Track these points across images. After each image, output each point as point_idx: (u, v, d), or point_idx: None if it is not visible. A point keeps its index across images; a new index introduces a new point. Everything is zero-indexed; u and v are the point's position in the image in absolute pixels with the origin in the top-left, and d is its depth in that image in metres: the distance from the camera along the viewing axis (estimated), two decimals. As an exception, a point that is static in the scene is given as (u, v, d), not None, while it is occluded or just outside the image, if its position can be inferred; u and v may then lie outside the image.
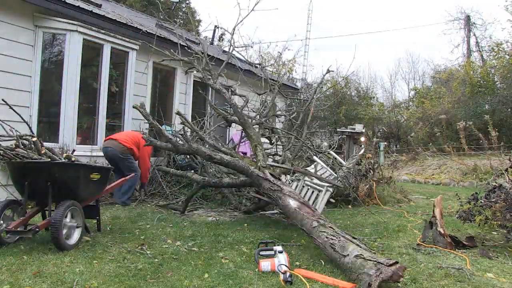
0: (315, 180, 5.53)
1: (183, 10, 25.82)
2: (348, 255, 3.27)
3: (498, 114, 14.11)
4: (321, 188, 5.41)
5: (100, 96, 6.68)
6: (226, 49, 8.91)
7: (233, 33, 6.56)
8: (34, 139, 4.54)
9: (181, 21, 25.30)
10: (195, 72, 9.29)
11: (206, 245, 4.15)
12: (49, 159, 4.39)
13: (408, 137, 16.81)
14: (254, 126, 6.14)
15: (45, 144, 5.97)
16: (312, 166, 6.52)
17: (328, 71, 6.89)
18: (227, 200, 6.72)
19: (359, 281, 3.03)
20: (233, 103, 6.20)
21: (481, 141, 12.99)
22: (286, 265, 3.33)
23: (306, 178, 5.70)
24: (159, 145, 5.91)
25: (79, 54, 6.20)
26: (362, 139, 12.09)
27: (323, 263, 3.61)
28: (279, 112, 9.09)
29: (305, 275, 3.27)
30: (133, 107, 5.91)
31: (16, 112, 5.04)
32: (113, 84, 6.99)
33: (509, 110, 15.36)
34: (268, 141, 7.07)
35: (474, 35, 22.17)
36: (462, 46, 22.60)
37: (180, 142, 5.89)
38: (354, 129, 12.18)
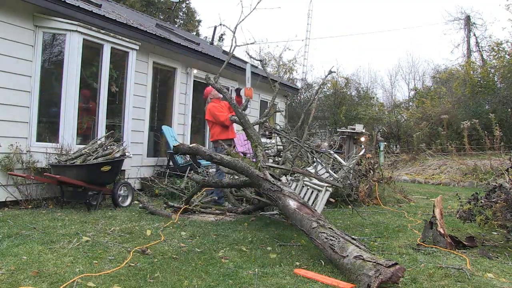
0: (315, 180, 5.53)
1: (183, 10, 25.83)
2: (347, 256, 3.27)
3: (499, 114, 14.10)
4: (320, 188, 5.41)
5: (100, 96, 6.68)
6: (227, 48, 8.90)
7: (234, 32, 6.54)
8: None
9: (181, 21, 25.34)
10: (195, 71, 9.31)
11: (206, 245, 4.14)
12: None
13: (412, 136, 16.77)
14: (254, 126, 6.13)
15: (46, 144, 6.00)
16: (312, 166, 6.51)
17: (330, 72, 6.85)
18: (227, 200, 6.73)
19: (359, 282, 3.03)
20: (234, 103, 6.20)
21: (482, 140, 12.97)
22: None
23: (306, 178, 5.70)
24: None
25: (79, 54, 6.20)
26: (362, 139, 12.08)
27: (323, 263, 3.61)
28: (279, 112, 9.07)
29: (305, 275, 3.27)
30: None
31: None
32: (113, 84, 6.99)
33: (509, 110, 15.33)
34: (269, 141, 7.07)
35: (474, 35, 22.16)
36: (462, 46, 22.61)
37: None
38: (354, 129, 12.17)
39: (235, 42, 6.48)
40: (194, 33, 24.30)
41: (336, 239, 3.49)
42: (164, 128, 8.47)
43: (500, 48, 17.37)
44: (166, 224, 5.00)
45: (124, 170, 7.04)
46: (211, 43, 15.76)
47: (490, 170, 11.07)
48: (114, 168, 5.92)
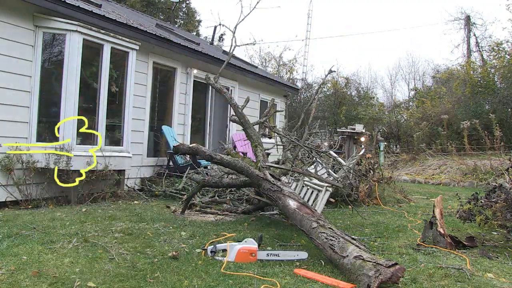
0: (315, 180, 5.53)
1: (183, 10, 25.82)
2: (347, 256, 3.27)
3: (499, 114, 14.10)
4: (320, 188, 5.41)
5: (100, 96, 6.68)
6: (227, 48, 8.88)
7: (234, 32, 6.55)
8: None
9: (181, 21, 25.34)
10: (195, 71, 9.31)
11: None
12: None
13: (412, 136, 16.76)
14: (254, 126, 6.13)
15: (46, 144, 6.00)
16: (312, 166, 6.52)
17: (331, 71, 6.86)
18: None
19: (359, 282, 3.03)
20: (234, 103, 6.21)
21: (482, 140, 12.97)
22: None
23: (306, 178, 5.70)
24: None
25: (79, 54, 6.19)
26: (362, 139, 12.09)
27: (323, 263, 3.61)
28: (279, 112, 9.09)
29: (305, 275, 3.27)
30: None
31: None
32: (113, 84, 6.98)
33: (509, 110, 15.32)
34: (268, 140, 7.07)
35: (474, 35, 22.15)
36: (462, 46, 22.59)
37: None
38: (354, 129, 12.18)
39: (235, 42, 6.49)
40: (194, 33, 24.30)
41: (336, 239, 3.49)
42: (164, 128, 8.47)
43: (500, 48, 17.37)
44: (166, 223, 5.00)
45: (124, 170, 7.04)
46: (211, 43, 15.76)
47: (490, 170, 11.07)
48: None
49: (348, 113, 20.36)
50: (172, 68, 8.88)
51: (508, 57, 16.63)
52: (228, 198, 6.73)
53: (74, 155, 6.00)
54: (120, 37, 6.89)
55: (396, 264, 3.00)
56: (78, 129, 6.27)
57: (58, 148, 5.96)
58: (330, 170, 6.49)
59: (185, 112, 9.20)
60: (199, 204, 6.41)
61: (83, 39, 6.26)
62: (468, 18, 22.24)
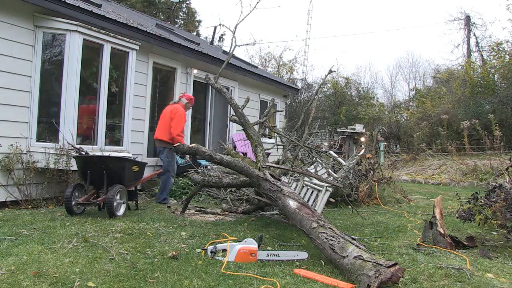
0: (315, 180, 5.53)
1: (183, 10, 25.82)
2: (347, 256, 3.27)
3: (499, 114, 14.10)
4: (320, 188, 5.41)
5: (100, 96, 6.68)
6: (227, 48, 8.88)
7: (234, 32, 6.55)
8: None
9: (182, 22, 25.34)
10: (195, 71, 9.31)
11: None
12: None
13: (413, 136, 16.76)
14: (254, 126, 6.14)
15: (45, 144, 6.01)
16: (312, 166, 6.52)
17: (331, 71, 6.86)
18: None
19: (358, 282, 3.03)
20: (234, 103, 6.21)
21: (482, 140, 12.98)
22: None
23: (306, 178, 5.70)
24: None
25: (79, 54, 6.19)
26: (362, 139, 12.09)
27: (323, 263, 3.61)
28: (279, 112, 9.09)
29: (305, 275, 3.27)
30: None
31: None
32: (113, 84, 6.99)
33: (509, 110, 15.32)
34: (268, 140, 7.07)
35: (474, 35, 22.14)
36: (462, 46, 22.58)
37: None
38: (354, 129, 12.18)
39: (235, 42, 6.49)
40: (194, 33, 24.30)
41: (336, 239, 3.49)
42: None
43: (500, 48, 17.37)
44: (166, 224, 5.00)
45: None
46: (211, 43, 15.76)
47: (490, 170, 11.07)
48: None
49: (348, 113, 20.36)
50: (172, 68, 8.88)
51: (508, 57, 16.63)
52: (228, 198, 6.73)
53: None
54: (120, 37, 6.89)
55: (396, 264, 3.00)
56: (78, 129, 6.28)
57: (58, 148, 5.96)
58: (330, 170, 6.48)
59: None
60: (199, 204, 6.41)
61: (83, 39, 6.26)
62: (468, 18, 22.23)
